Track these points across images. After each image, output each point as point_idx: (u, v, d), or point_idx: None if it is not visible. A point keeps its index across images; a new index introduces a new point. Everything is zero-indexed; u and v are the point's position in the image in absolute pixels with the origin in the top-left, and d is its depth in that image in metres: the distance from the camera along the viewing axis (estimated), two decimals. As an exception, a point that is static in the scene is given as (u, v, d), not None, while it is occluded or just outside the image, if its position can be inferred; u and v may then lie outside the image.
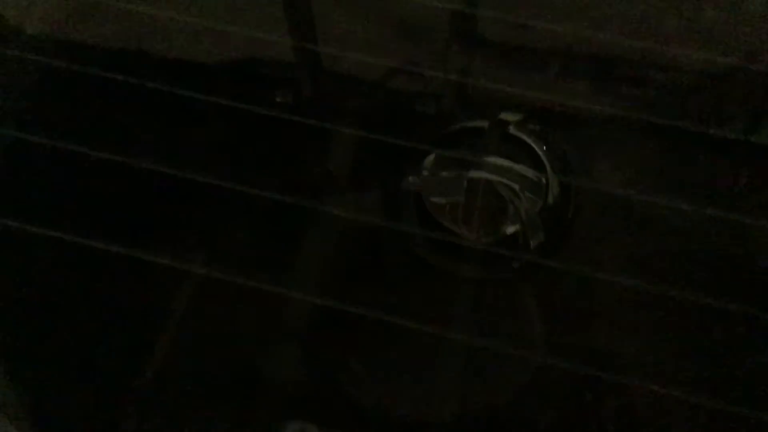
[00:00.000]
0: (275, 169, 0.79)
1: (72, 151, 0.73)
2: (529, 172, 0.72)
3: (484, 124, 0.76)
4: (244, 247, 0.76)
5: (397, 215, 0.75)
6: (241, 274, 0.68)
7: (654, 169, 0.79)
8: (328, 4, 0.90)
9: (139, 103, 0.80)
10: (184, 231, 0.76)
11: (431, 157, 0.74)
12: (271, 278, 0.70)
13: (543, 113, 0.81)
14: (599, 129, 0.82)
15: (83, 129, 0.79)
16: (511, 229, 0.71)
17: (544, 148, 0.75)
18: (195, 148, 0.81)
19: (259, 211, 0.76)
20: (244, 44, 0.85)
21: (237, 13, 0.87)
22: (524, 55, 0.86)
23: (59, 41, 0.88)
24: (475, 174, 0.72)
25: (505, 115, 0.76)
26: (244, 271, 0.69)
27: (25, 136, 0.77)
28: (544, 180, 0.72)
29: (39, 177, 0.78)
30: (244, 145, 0.81)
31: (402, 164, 0.76)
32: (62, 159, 0.75)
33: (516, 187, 0.71)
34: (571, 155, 0.77)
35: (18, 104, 0.82)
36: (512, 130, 0.75)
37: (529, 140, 0.74)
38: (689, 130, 0.78)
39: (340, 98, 0.86)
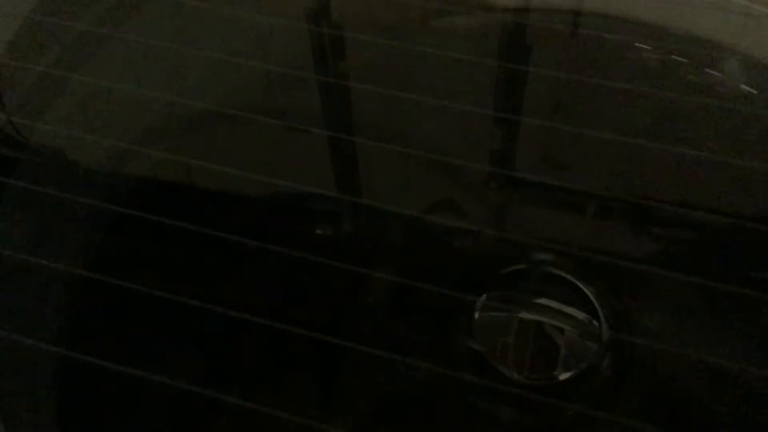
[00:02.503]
0: (314, 306, 0.79)
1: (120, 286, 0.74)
2: (581, 315, 0.72)
3: (531, 266, 0.76)
4: (286, 385, 0.75)
5: (446, 358, 0.74)
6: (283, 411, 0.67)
7: (698, 314, 0.78)
8: (371, 143, 0.92)
9: (182, 236, 0.81)
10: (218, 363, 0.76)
11: (483, 298, 0.73)
12: (316, 417, 0.68)
13: (583, 254, 0.82)
14: (640, 271, 0.82)
15: (130, 267, 0.79)
16: (564, 375, 0.70)
17: (595, 290, 0.75)
18: (234, 282, 0.81)
19: (301, 348, 0.75)
20: (285, 178, 0.87)
21: (281, 149, 0.89)
22: (562, 196, 0.88)
23: (107, 181, 0.89)
24: (526, 315, 0.72)
25: (548, 257, 0.77)
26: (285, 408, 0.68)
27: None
28: (596, 323, 0.72)
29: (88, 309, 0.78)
30: (285, 278, 0.81)
31: (448, 305, 0.75)
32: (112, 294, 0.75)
33: (567, 329, 0.71)
34: (618, 299, 0.77)
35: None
36: (561, 272, 0.75)
37: (579, 283, 0.74)
38: (730, 274, 0.78)
39: (380, 233, 0.86)
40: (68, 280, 0.78)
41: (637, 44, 0.94)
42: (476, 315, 0.73)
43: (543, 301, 0.73)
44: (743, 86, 0.91)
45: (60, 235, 0.80)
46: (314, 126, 0.92)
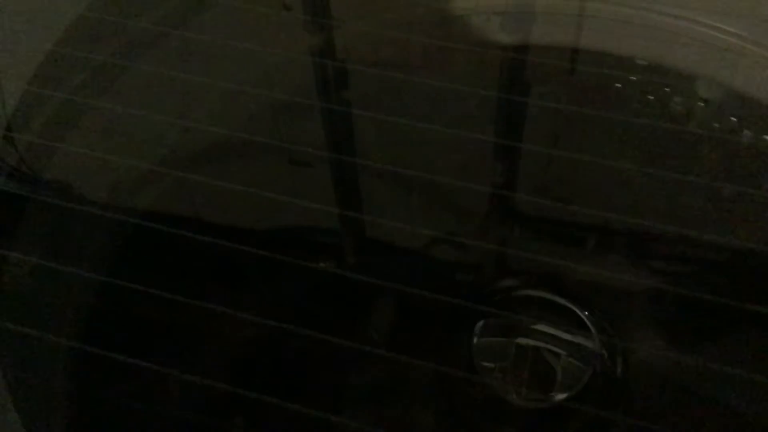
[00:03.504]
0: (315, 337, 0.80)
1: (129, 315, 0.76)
2: (577, 340, 0.73)
3: (530, 292, 0.78)
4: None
5: (446, 380, 0.75)
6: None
7: (693, 343, 0.79)
8: (373, 176, 0.94)
9: (188, 266, 0.82)
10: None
11: (480, 323, 0.75)
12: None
13: (581, 285, 0.83)
14: (637, 302, 0.83)
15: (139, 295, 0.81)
16: (560, 397, 0.71)
17: (589, 315, 0.76)
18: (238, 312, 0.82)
19: (299, 384, 0.76)
20: (290, 211, 0.89)
21: (285, 182, 0.91)
22: (562, 229, 0.89)
23: (119, 206, 0.91)
24: (522, 340, 0.73)
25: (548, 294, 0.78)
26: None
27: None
28: (591, 347, 0.73)
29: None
30: (288, 309, 0.82)
31: (448, 333, 0.77)
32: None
33: (563, 354, 0.72)
34: (613, 326, 0.78)
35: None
36: (557, 298, 0.77)
37: (575, 308, 0.76)
38: (728, 305, 0.78)
39: (382, 266, 0.88)
40: (80, 308, 0.80)
41: (632, 78, 0.97)
42: (475, 340, 0.74)
43: (540, 326, 0.74)
44: (734, 119, 0.93)
45: (74, 260, 0.82)
46: (318, 158, 0.94)
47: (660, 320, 0.81)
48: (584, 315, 0.75)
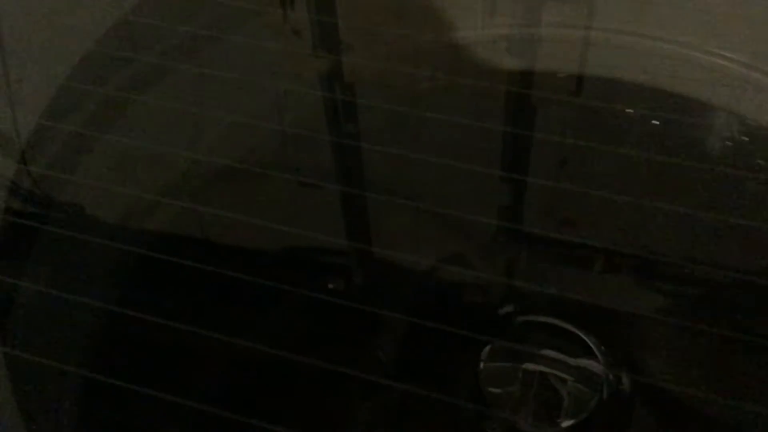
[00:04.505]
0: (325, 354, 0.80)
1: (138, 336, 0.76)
2: (584, 365, 0.74)
3: (537, 318, 0.78)
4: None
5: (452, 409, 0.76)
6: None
7: (702, 367, 0.80)
8: (381, 199, 0.95)
9: (197, 289, 0.83)
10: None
11: (487, 349, 0.75)
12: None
13: (588, 308, 0.84)
14: (645, 326, 0.83)
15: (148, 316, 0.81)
16: (567, 423, 0.71)
17: (596, 342, 0.76)
18: (248, 334, 0.82)
19: (306, 401, 0.77)
20: (299, 230, 0.90)
21: (295, 205, 0.92)
22: (568, 251, 0.90)
23: (129, 230, 0.93)
24: (529, 366, 0.74)
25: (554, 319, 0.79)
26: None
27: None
28: (598, 374, 0.73)
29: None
30: (296, 332, 0.82)
31: (454, 357, 0.77)
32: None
33: (570, 379, 0.73)
34: (621, 351, 0.79)
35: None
36: (564, 324, 0.77)
37: (582, 334, 0.76)
38: (734, 329, 0.79)
39: (390, 288, 0.88)
40: (91, 330, 0.81)
41: (637, 107, 0.97)
42: (481, 365, 0.75)
43: (547, 352, 0.75)
44: (740, 146, 0.94)
45: (84, 286, 0.83)
46: (327, 183, 0.95)
47: (667, 345, 0.81)
48: (590, 340, 0.76)
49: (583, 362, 0.74)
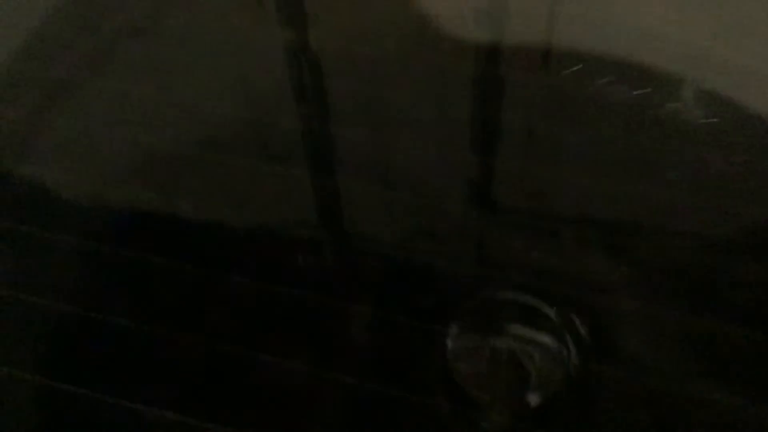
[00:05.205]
0: (294, 338, 0.80)
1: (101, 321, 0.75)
2: (551, 342, 0.74)
3: (505, 294, 0.78)
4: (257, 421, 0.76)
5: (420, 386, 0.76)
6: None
7: (675, 339, 0.80)
8: (351, 169, 0.94)
9: (164, 270, 0.83)
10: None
11: (455, 327, 0.75)
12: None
13: (559, 280, 0.84)
14: (615, 296, 0.84)
15: (110, 301, 0.81)
16: (534, 399, 0.72)
17: (563, 318, 0.76)
18: (215, 312, 0.82)
19: (277, 381, 0.76)
20: (268, 209, 0.89)
21: (263, 182, 0.91)
22: (540, 222, 0.90)
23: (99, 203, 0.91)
24: (497, 343, 0.74)
25: (521, 295, 0.79)
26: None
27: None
28: (565, 351, 0.74)
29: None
30: (264, 311, 0.82)
31: (424, 334, 0.77)
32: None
33: (537, 356, 0.73)
34: (589, 325, 0.79)
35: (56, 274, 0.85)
36: (531, 300, 0.77)
37: (548, 310, 0.76)
38: (708, 300, 0.79)
39: (361, 262, 0.88)
40: (49, 316, 0.80)
41: (606, 78, 0.97)
42: (449, 343, 0.75)
43: (515, 328, 0.75)
44: (707, 119, 0.94)
45: (40, 273, 0.82)
46: (294, 158, 0.94)
47: (638, 317, 0.81)
48: (558, 316, 0.76)
49: (551, 339, 0.74)
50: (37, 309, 0.77)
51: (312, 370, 0.75)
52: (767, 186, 0.89)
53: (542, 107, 0.96)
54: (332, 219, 0.91)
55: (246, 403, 0.73)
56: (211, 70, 0.94)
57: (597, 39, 0.99)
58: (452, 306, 0.78)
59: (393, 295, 0.82)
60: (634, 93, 0.97)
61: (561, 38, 1.01)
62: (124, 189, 0.91)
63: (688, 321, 0.79)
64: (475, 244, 0.91)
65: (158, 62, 0.97)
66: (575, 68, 0.96)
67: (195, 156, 0.93)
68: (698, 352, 0.77)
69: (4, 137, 0.88)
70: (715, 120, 0.94)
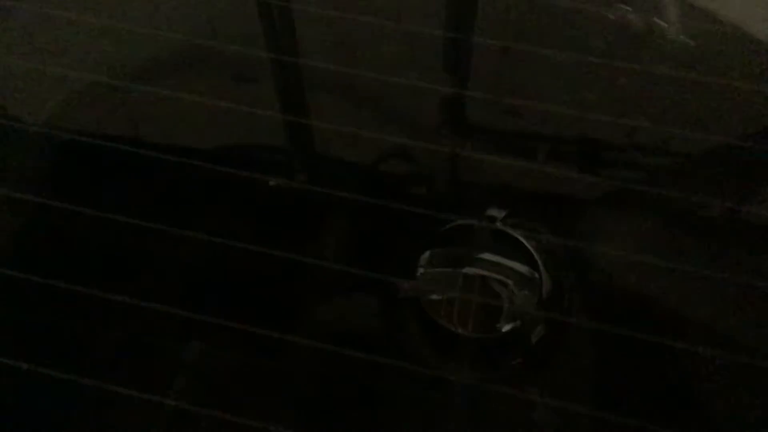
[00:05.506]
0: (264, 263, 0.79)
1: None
2: (522, 268, 0.73)
3: (476, 221, 0.77)
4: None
5: (391, 317, 0.76)
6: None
7: (650, 247, 0.80)
8: (321, 90, 0.92)
9: (133, 187, 0.81)
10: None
11: (426, 254, 0.74)
12: (253, 406, 0.68)
13: (533, 199, 0.83)
14: (590, 212, 0.83)
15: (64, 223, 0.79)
16: (507, 327, 0.72)
17: (535, 243, 0.76)
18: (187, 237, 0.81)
19: (249, 306, 0.75)
20: (237, 127, 0.87)
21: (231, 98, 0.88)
22: (513, 140, 0.88)
23: (59, 126, 0.89)
24: (469, 270, 0.73)
25: (493, 211, 0.78)
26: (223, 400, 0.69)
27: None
28: (537, 276, 0.73)
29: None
30: (238, 232, 0.81)
31: (396, 260, 0.76)
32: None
33: (510, 283, 0.72)
34: (564, 245, 0.78)
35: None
36: (503, 226, 0.76)
37: (519, 236, 0.75)
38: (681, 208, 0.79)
39: (333, 183, 0.86)
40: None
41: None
42: (420, 270, 0.74)
43: (486, 255, 0.74)
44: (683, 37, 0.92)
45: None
46: (263, 75, 0.91)
47: (615, 232, 0.81)
48: (530, 243, 0.75)
49: (523, 266, 0.74)
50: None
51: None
52: (739, 106, 0.87)
53: (518, 20, 0.93)
54: (304, 138, 0.89)
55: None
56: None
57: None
58: (425, 232, 0.77)
59: (365, 219, 0.81)
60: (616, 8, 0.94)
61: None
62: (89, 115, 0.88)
63: (667, 234, 0.79)
64: (448, 163, 0.90)
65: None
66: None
67: (160, 66, 0.90)
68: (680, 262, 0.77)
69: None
70: (695, 39, 0.92)
